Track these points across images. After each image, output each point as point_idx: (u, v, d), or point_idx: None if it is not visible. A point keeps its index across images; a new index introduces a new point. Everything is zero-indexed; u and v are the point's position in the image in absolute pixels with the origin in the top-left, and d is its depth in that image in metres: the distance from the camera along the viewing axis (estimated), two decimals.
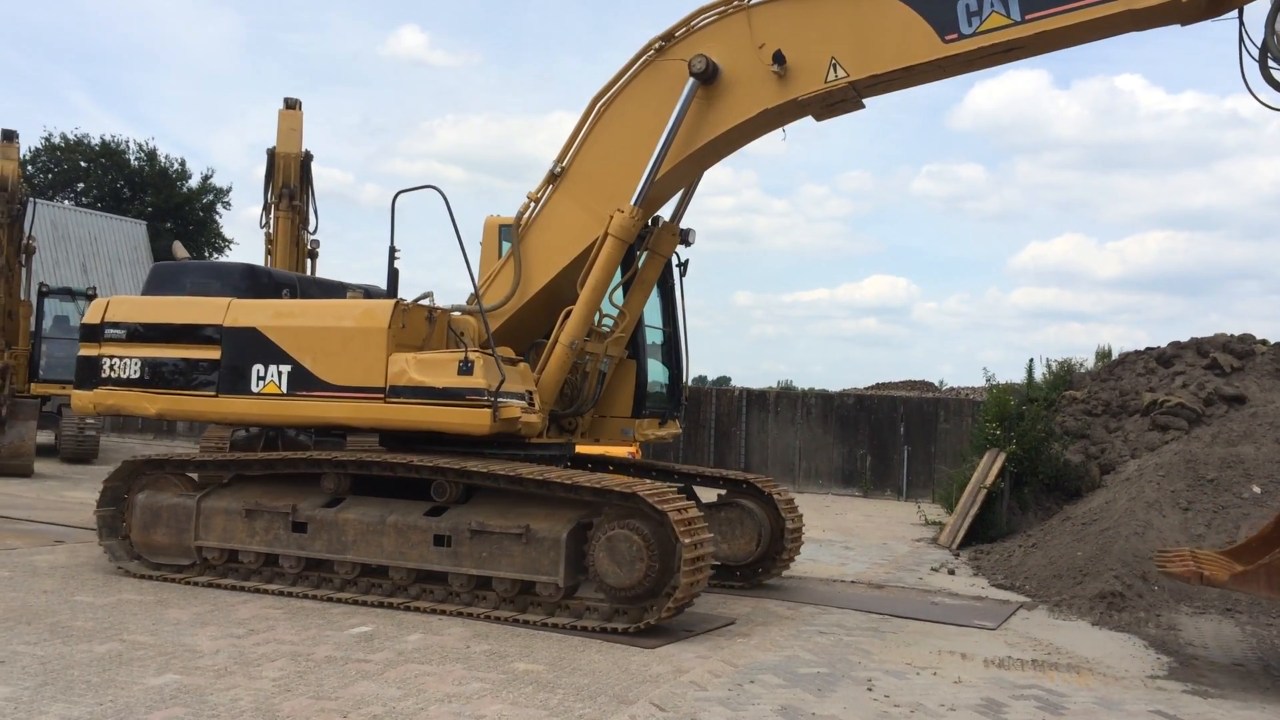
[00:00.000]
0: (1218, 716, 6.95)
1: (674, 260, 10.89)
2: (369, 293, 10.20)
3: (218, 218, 53.04)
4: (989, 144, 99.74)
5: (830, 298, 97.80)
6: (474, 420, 8.77)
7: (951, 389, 34.96)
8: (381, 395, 9.05)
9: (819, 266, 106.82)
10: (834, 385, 31.47)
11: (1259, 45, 7.64)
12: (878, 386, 36.67)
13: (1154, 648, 8.98)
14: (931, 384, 37.60)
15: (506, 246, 10.23)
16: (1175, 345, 17.36)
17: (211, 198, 52.46)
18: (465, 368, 8.82)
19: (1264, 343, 16.84)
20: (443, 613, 8.80)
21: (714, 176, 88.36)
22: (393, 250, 9.41)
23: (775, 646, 8.34)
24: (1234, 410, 14.67)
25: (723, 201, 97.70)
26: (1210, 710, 7.10)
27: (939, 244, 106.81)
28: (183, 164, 51.71)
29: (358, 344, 9.18)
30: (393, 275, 9.45)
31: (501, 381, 8.79)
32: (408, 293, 9.49)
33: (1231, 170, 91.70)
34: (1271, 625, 9.93)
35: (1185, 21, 8.09)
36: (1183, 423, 14.97)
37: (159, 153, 51.10)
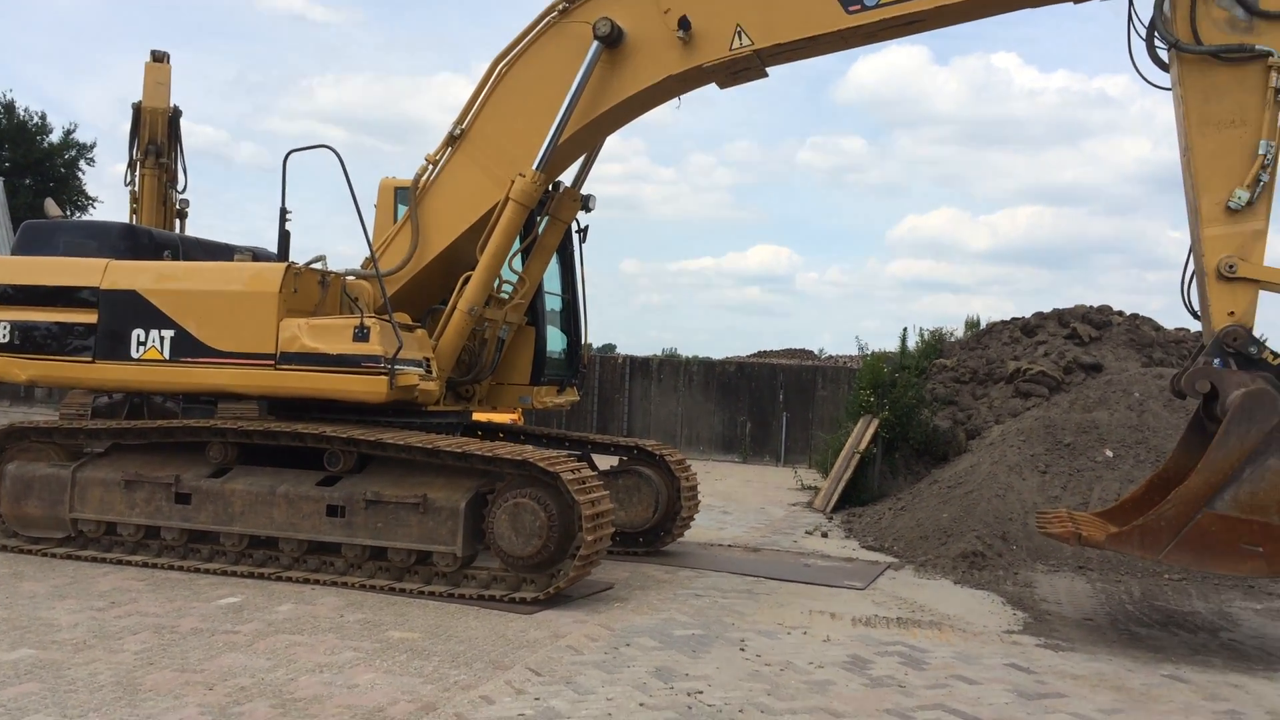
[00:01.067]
0: (1067, 668, 7.33)
1: (574, 226, 10.87)
2: (257, 255, 9.91)
3: (81, 175, 50.49)
4: (871, 117, 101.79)
5: (716, 266, 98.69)
6: (370, 388, 8.62)
7: (830, 357, 35.77)
8: (272, 362, 8.80)
9: (705, 235, 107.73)
10: (718, 353, 31.89)
11: (1147, 25, 7.94)
12: (759, 354, 37.26)
13: (1011, 604, 9.41)
14: (811, 352, 38.38)
15: (402, 210, 10.05)
16: (1039, 316, 18.10)
17: (74, 154, 49.93)
18: (361, 334, 8.65)
19: (1120, 314, 17.69)
20: (316, 582, 8.67)
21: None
22: (284, 211, 9.13)
23: (652, 610, 8.47)
24: (1091, 378, 15.39)
25: (610, 169, 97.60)
26: (1060, 663, 7.48)
27: (822, 215, 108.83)
28: (43, 118, 48.93)
29: (246, 309, 8.89)
30: (284, 237, 9.16)
31: (399, 348, 8.65)
32: (296, 257, 9.26)
33: (1098, 148, 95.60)
34: (1120, 581, 10.50)
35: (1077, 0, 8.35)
36: (1044, 390, 15.64)
37: (17, 105, 48.35)
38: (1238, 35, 7.50)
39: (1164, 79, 8.10)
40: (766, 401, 23.48)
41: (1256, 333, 7.59)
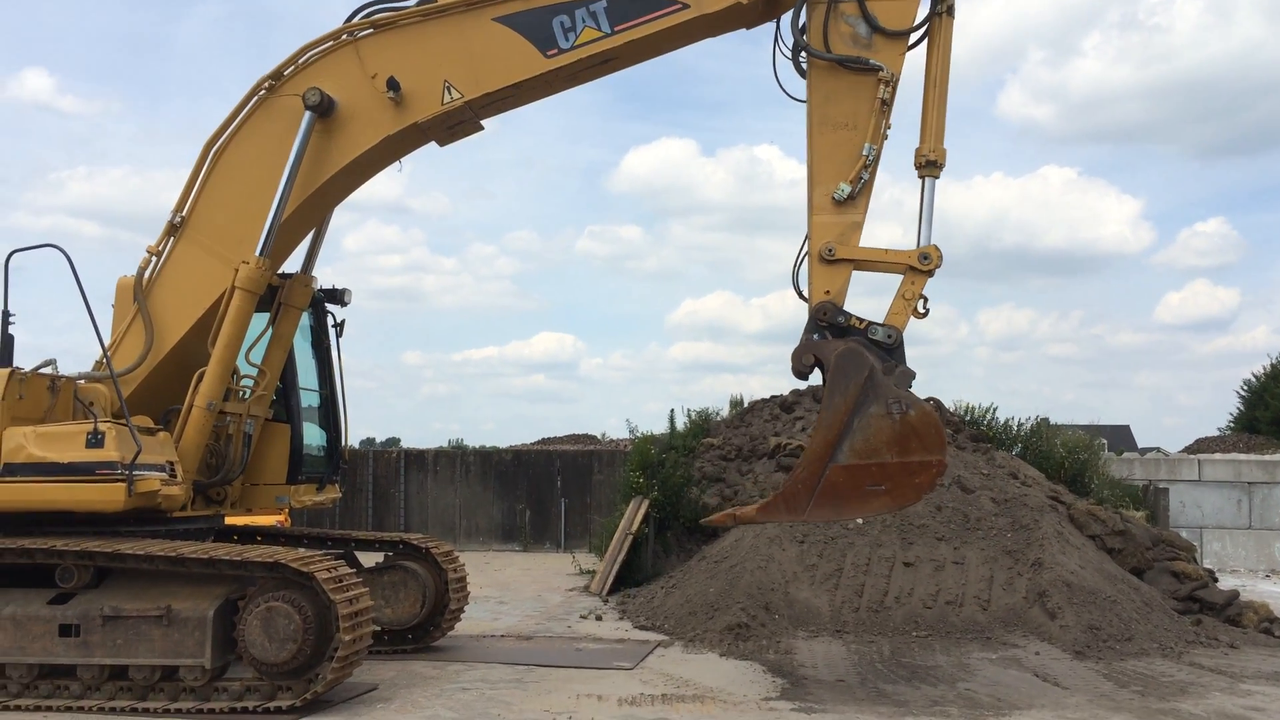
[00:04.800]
0: None
1: (330, 320, 10.79)
2: None
3: None
4: (645, 206, 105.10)
5: (500, 355, 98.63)
6: (106, 496, 8.20)
7: (612, 441, 36.27)
8: None
9: (488, 324, 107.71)
10: (504, 442, 31.88)
11: (792, 46, 8.70)
12: (543, 441, 37.36)
13: (771, 672, 9.77)
14: (594, 436, 38.80)
15: None
16: (795, 393, 19.02)
17: None
18: (95, 439, 8.25)
19: None
20: (50, 709, 8.07)
21: (380, 234, 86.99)
22: (6, 314, 8.79)
23: (416, 708, 8.31)
24: None
25: (390, 260, 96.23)
26: None
27: (603, 301, 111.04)
28: None
29: None
30: (7, 342, 8.78)
31: (138, 452, 8.28)
32: (33, 360, 8.83)
33: None
34: (872, 642, 11.09)
35: (750, 25, 9.11)
36: None
37: None
38: (859, 49, 8.50)
39: (802, 93, 8.81)
40: (544, 488, 23.55)
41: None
